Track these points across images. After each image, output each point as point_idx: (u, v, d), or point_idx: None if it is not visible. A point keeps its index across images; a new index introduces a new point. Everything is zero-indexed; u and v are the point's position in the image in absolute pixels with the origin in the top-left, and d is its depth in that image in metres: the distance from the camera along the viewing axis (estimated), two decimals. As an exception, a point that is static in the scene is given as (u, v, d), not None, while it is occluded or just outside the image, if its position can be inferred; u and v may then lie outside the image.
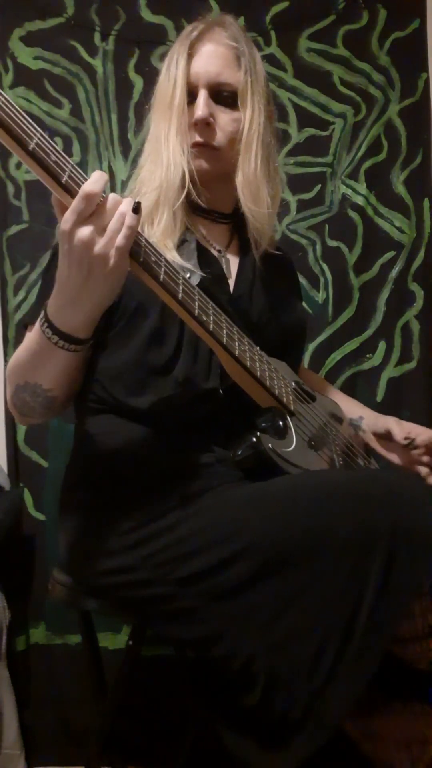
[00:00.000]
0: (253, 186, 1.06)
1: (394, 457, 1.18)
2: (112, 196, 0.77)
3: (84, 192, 0.74)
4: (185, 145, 1.02)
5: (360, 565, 0.77)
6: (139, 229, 0.80)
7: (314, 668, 0.77)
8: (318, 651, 0.77)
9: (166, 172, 1.01)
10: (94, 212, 0.75)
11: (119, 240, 0.76)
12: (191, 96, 1.03)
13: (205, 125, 1.03)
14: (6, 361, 1.62)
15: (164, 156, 1.02)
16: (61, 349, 0.85)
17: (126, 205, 0.77)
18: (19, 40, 1.66)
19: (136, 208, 0.77)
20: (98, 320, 0.86)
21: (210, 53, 1.04)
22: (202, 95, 1.02)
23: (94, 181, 0.74)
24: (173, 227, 1.01)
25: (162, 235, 1.00)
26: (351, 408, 1.24)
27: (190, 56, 1.03)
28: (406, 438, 1.11)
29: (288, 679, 0.78)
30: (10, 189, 1.66)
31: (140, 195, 1.03)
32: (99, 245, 0.76)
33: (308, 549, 0.79)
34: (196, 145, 1.03)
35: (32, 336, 0.89)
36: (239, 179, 1.06)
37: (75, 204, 0.74)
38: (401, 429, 1.13)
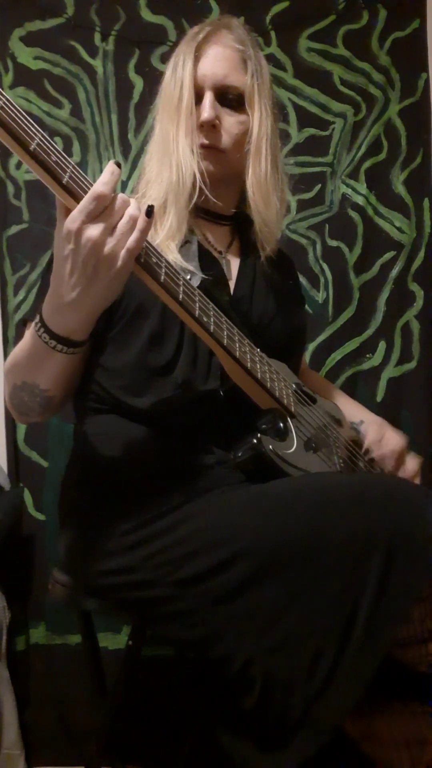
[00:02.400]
0: (264, 189, 1.06)
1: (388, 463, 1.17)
2: (120, 196, 0.76)
3: (95, 192, 0.73)
4: (195, 147, 1.01)
5: (358, 569, 0.77)
6: None
7: (312, 671, 0.77)
8: (316, 654, 0.77)
9: (176, 174, 1.00)
10: (103, 212, 0.75)
11: (130, 242, 0.76)
12: (197, 98, 1.03)
13: (211, 127, 1.03)
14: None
15: (173, 157, 1.01)
16: (59, 352, 0.85)
17: (135, 207, 0.76)
18: (19, 40, 1.66)
19: (150, 211, 0.77)
20: (95, 322, 0.86)
21: (217, 55, 1.03)
22: (208, 97, 1.02)
23: (105, 182, 0.73)
24: (178, 229, 1.00)
25: (166, 236, 0.99)
26: (352, 411, 1.24)
27: (197, 58, 1.03)
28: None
29: (286, 681, 0.78)
30: (10, 189, 1.66)
31: (147, 196, 1.03)
32: (109, 245, 0.75)
33: (306, 552, 0.79)
34: (201, 147, 1.03)
35: (28, 337, 0.89)
36: (250, 182, 1.06)
37: (84, 204, 0.73)
38: (373, 438, 1.13)
